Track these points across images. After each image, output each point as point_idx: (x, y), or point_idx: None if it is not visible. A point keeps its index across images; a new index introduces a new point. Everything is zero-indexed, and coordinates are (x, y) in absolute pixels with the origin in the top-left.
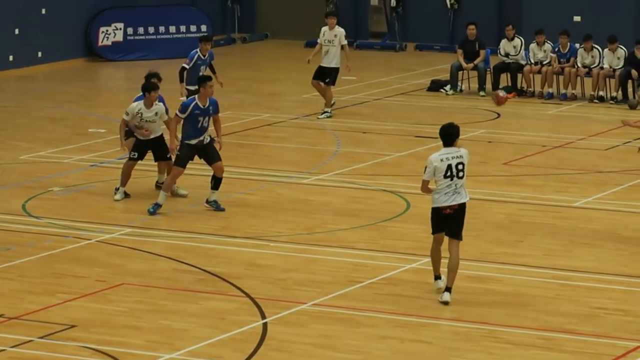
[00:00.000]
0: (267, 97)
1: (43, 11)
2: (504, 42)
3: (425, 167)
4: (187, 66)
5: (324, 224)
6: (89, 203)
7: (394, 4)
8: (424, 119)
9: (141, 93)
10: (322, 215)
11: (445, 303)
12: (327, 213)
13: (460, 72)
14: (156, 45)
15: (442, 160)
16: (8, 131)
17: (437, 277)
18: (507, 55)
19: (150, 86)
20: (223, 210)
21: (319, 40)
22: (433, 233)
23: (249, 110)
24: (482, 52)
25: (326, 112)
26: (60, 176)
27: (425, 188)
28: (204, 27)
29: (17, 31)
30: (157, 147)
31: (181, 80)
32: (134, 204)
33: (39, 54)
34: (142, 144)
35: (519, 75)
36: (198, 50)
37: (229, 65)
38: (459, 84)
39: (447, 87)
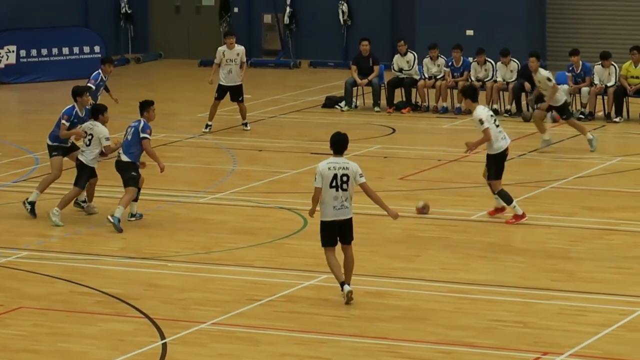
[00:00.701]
0: (162, 117)
1: None
2: (397, 57)
3: (315, 175)
4: (92, 87)
5: (221, 242)
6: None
7: (287, 22)
8: (319, 136)
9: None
10: (220, 234)
11: (349, 293)
12: (225, 232)
13: (354, 88)
14: (50, 67)
15: (329, 168)
16: None
17: (343, 283)
18: (400, 70)
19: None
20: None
21: (216, 61)
22: (325, 246)
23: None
24: (376, 68)
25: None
26: None
27: (317, 196)
28: (97, 48)
29: None
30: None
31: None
32: (30, 227)
33: None
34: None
35: (413, 90)
36: (100, 71)
37: (123, 86)
38: (354, 100)
39: (342, 104)
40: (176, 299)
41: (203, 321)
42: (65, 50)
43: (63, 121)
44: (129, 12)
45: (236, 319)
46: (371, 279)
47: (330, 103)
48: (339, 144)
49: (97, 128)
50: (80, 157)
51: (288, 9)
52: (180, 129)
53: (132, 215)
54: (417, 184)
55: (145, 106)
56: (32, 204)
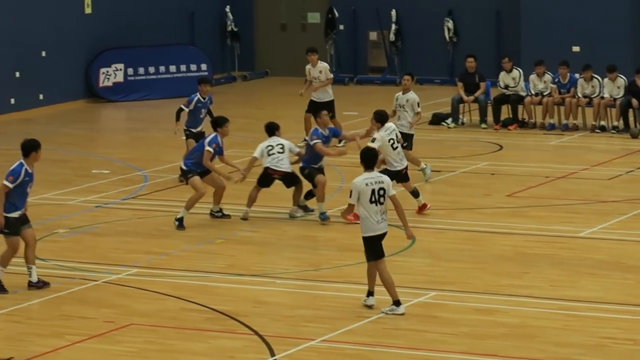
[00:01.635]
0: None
1: (43, 54)
2: (502, 74)
3: (351, 192)
4: (184, 107)
5: (329, 259)
6: (94, 244)
7: (393, 39)
8: (426, 153)
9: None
10: (328, 251)
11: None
12: (333, 249)
13: (461, 105)
14: (157, 85)
15: (366, 184)
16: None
17: (371, 293)
18: (506, 87)
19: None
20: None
21: (307, 78)
22: (375, 259)
23: (251, 148)
24: (482, 85)
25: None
26: (64, 218)
27: (350, 210)
28: (204, 66)
29: (17, 74)
30: None
31: (177, 119)
32: (139, 244)
33: (40, 97)
34: None
35: (520, 107)
36: (198, 93)
37: (229, 104)
38: (460, 116)
39: (449, 120)
40: (285, 316)
41: (312, 338)
42: (172, 68)
43: (208, 148)
44: (235, 30)
45: (345, 336)
46: (479, 296)
47: (437, 120)
48: (369, 159)
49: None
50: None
51: (394, 26)
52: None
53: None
54: (524, 201)
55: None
56: (180, 220)
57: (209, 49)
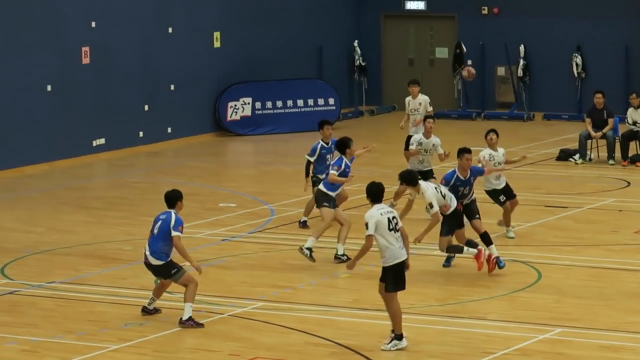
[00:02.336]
0: (395, 169)
1: (172, 87)
2: (630, 110)
3: (366, 224)
4: (311, 159)
5: (455, 295)
6: (220, 277)
7: (521, 74)
8: (553, 189)
9: None
10: (453, 287)
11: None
12: (459, 284)
13: (589, 141)
14: (284, 119)
15: (381, 214)
16: (138, 207)
17: (402, 335)
18: (634, 123)
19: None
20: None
21: (406, 111)
22: (395, 290)
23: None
24: (611, 121)
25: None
26: (191, 251)
27: (369, 245)
28: (331, 101)
29: (146, 107)
30: None
31: (306, 175)
32: (265, 277)
33: (169, 130)
34: None
35: None
36: (320, 140)
37: (356, 138)
38: (588, 152)
39: (576, 156)
40: (410, 351)
41: None
42: (300, 102)
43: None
44: (362, 64)
45: None
46: (606, 333)
47: (565, 156)
48: (378, 194)
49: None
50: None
51: (522, 61)
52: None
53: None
54: None
55: (461, 153)
56: (310, 249)
57: (336, 84)
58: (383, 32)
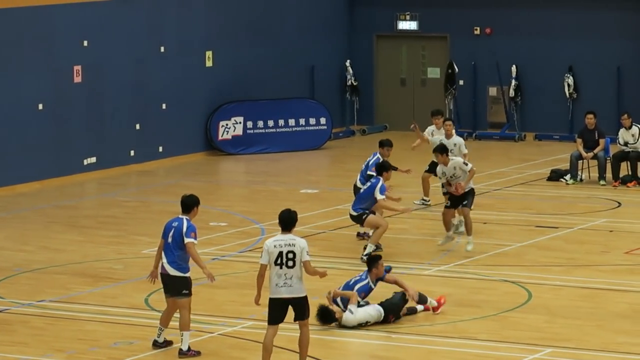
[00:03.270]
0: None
1: (164, 106)
2: (622, 131)
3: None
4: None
5: (445, 315)
6: (210, 296)
7: (513, 94)
8: (544, 209)
9: None
10: (444, 307)
11: None
12: (449, 304)
13: (580, 162)
14: (276, 139)
15: (275, 246)
16: (129, 226)
17: None
18: (625, 144)
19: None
20: None
21: (424, 138)
22: (269, 323)
23: None
24: (602, 141)
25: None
26: None
27: (262, 272)
28: (323, 120)
29: (138, 126)
30: None
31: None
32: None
33: (160, 149)
34: None
35: (639, 164)
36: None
37: (348, 157)
38: (579, 173)
39: (567, 177)
40: None
41: None
42: (292, 121)
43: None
44: (354, 84)
45: None
46: (596, 354)
47: (556, 176)
48: (285, 221)
49: None
50: None
51: (513, 82)
52: (405, 200)
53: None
54: None
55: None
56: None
57: (328, 103)
58: (375, 51)
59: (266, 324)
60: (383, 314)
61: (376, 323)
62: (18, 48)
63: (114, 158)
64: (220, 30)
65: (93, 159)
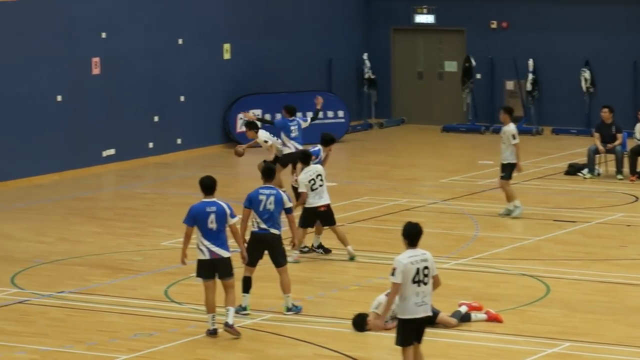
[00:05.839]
0: (404, 182)
1: (182, 99)
2: (639, 125)
3: (394, 269)
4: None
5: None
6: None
7: (530, 88)
8: (561, 203)
9: None
10: (460, 300)
11: None
12: (467, 297)
13: (597, 156)
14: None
15: (411, 262)
16: (148, 218)
17: None
18: None
19: None
20: None
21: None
22: (403, 345)
23: (386, 195)
24: (619, 136)
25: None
26: None
27: (395, 292)
28: (340, 113)
29: (156, 118)
30: None
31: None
32: (275, 289)
33: (178, 141)
34: None
35: None
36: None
37: (365, 151)
38: (596, 167)
39: (585, 171)
40: None
41: None
42: (310, 114)
43: None
44: (372, 77)
45: None
46: (613, 348)
47: (573, 170)
48: (414, 235)
49: None
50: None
51: (530, 76)
52: (422, 194)
53: None
54: None
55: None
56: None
57: (346, 96)
58: (392, 45)
59: (282, 316)
60: None
61: None
62: (37, 40)
63: (132, 150)
64: (238, 23)
65: (112, 151)
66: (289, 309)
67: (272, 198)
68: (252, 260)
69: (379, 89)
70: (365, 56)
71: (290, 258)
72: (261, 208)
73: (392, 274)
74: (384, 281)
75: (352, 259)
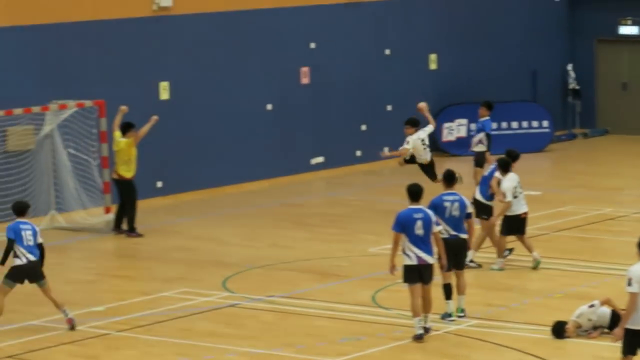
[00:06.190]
0: (606, 192)
1: (389, 108)
2: None
3: (629, 280)
4: None
5: None
6: (435, 295)
7: None
8: None
9: None
10: None
11: None
12: None
13: None
14: (498, 141)
15: None
16: (355, 224)
17: None
18: None
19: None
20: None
21: None
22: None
23: (590, 204)
24: None
25: None
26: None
27: (634, 302)
28: (545, 123)
29: (363, 127)
30: None
31: None
32: (480, 296)
33: (385, 150)
34: None
35: None
36: None
37: (569, 160)
38: None
39: None
40: None
41: None
42: (514, 124)
43: None
44: (576, 88)
45: None
46: None
47: None
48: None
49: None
50: None
51: None
52: (626, 203)
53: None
54: None
55: None
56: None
57: (550, 106)
58: (596, 56)
59: (488, 322)
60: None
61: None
62: (248, 51)
63: (340, 158)
64: (444, 34)
65: (320, 159)
66: (462, 311)
67: (456, 204)
68: (448, 266)
69: (583, 99)
70: (569, 67)
71: (496, 266)
72: (447, 215)
73: (629, 284)
74: (588, 289)
75: (536, 265)
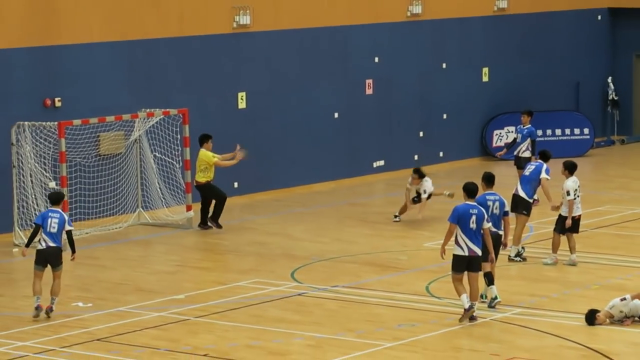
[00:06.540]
0: None
1: (444, 116)
2: None
3: None
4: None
5: None
6: (481, 285)
7: None
8: None
9: None
10: None
11: None
12: None
13: None
14: (544, 147)
15: None
16: (413, 223)
17: None
18: None
19: None
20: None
21: None
22: None
23: (627, 205)
24: None
25: None
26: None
27: None
28: (586, 130)
29: (421, 134)
30: None
31: None
32: (525, 287)
33: (441, 154)
34: None
35: None
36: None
37: (608, 164)
38: None
39: None
40: None
41: None
42: (558, 131)
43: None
44: (615, 98)
45: None
46: None
47: None
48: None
49: None
50: None
51: None
52: None
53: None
54: None
55: None
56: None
57: (591, 115)
58: (635, 69)
59: (531, 310)
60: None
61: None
62: (318, 64)
63: (399, 161)
64: (496, 49)
65: (381, 162)
66: (493, 299)
67: (497, 203)
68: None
69: (621, 109)
70: (609, 79)
71: (549, 259)
72: (489, 213)
73: None
74: (623, 281)
75: (571, 264)
